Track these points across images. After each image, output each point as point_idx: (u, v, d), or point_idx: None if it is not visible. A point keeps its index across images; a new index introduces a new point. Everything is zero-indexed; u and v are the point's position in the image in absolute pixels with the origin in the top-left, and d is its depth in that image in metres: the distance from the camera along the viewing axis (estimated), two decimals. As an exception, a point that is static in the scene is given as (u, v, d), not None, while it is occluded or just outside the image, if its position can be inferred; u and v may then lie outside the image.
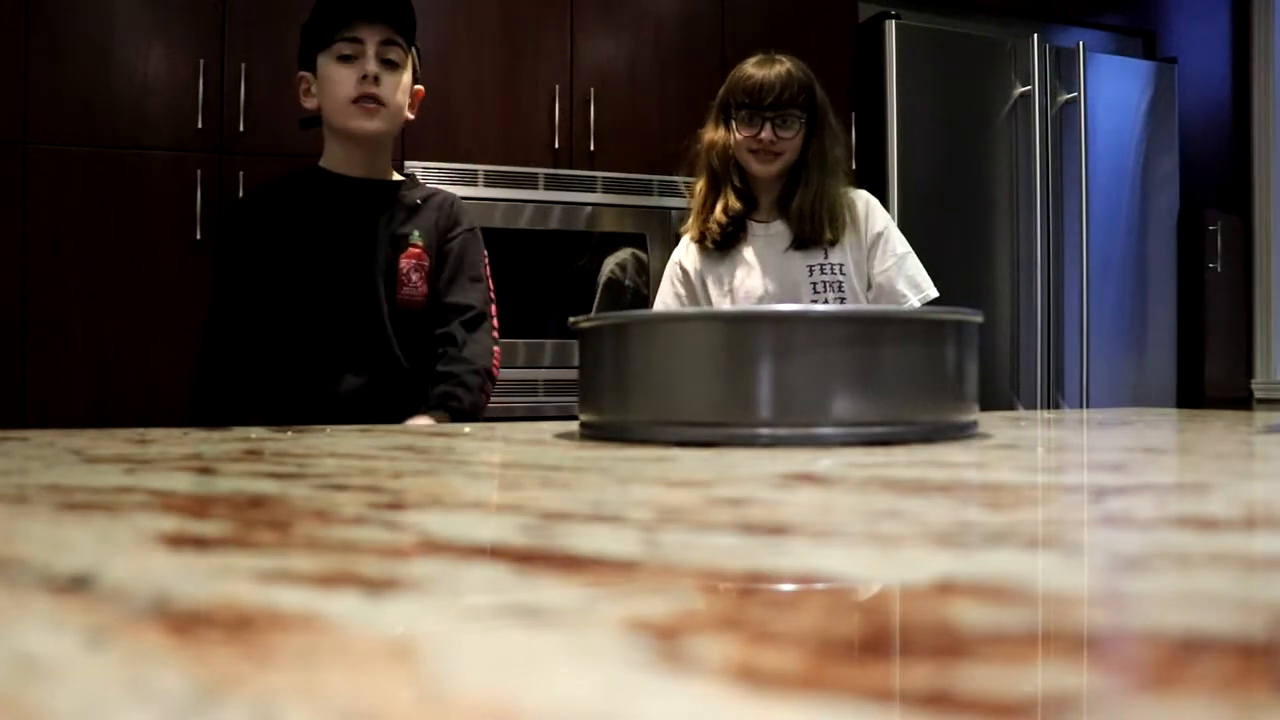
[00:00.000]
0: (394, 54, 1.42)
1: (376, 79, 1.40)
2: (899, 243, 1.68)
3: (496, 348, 1.46)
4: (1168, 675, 0.16)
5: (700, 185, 1.70)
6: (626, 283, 2.73)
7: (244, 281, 1.41)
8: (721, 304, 1.67)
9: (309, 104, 1.46)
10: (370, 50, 1.40)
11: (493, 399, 1.46)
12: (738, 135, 1.62)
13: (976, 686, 0.16)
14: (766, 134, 1.60)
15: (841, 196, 1.66)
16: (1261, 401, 3.52)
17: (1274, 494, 0.45)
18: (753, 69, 1.62)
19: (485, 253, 1.52)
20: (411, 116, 1.49)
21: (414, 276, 1.43)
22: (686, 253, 1.72)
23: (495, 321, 1.49)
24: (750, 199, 1.67)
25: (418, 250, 1.44)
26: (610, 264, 2.72)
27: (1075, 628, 0.20)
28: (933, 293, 1.67)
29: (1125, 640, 0.19)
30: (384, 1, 1.42)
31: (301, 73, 1.46)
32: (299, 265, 1.40)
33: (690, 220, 1.72)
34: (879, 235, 1.67)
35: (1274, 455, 0.63)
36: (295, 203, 1.44)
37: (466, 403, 1.35)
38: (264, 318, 1.40)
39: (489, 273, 1.51)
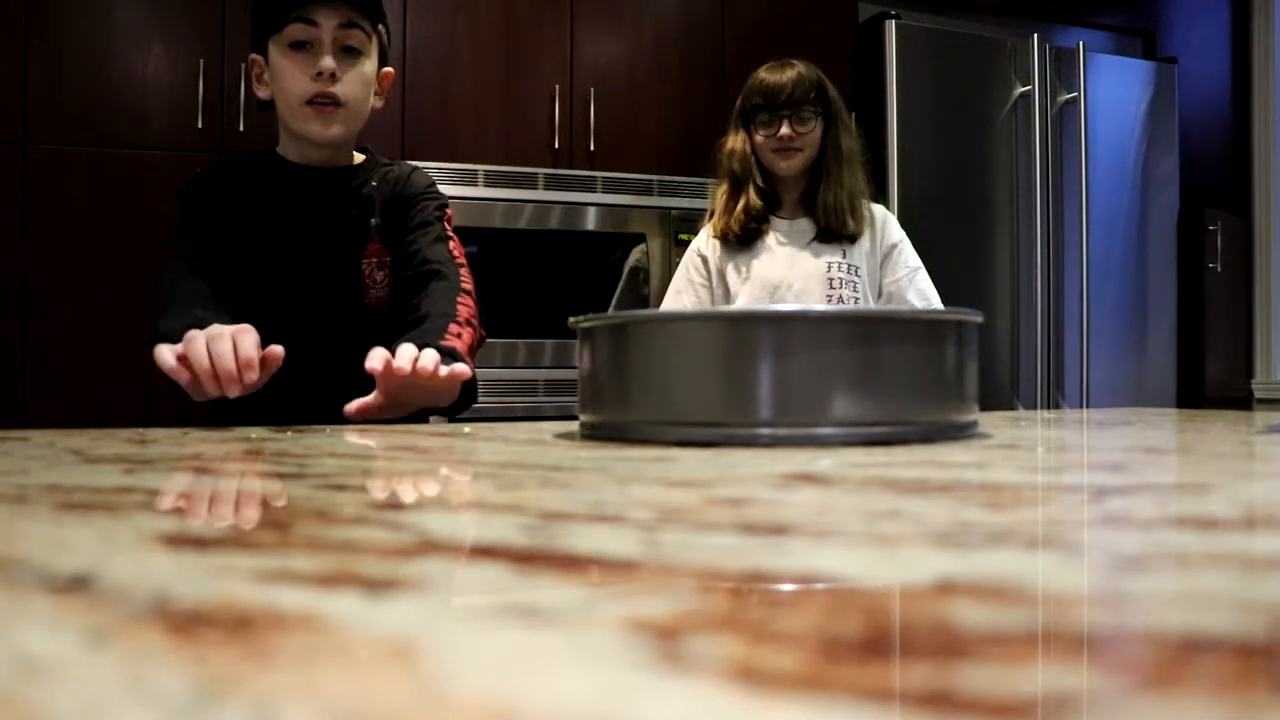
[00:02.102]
0: (355, 39, 1.24)
1: (334, 76, 1.22)
2: (912, 256, 1.75)
3: (471, 306, 1.25)
4: (1168, 675, 0.16)
5: (723, 189, 1.76)
6: (652, 270, 2.74)
7: (205, 260, 1.24)
8: (738, 291, 1.72)
9: (262, 93, 1.29)
10: (326, 37, 1.22)
11: (493, 399, 1.42)
12: (759, 137, 1.69)
13: (976, 686, 0.16)
14: (785, 130, 1.67)
15: (861, 191, 1.72)
16: (1262, 401, 3.52)
17: (1274, 494, 0.45)
18: (765, 74, 1.70)
19: (450, 212, 1.36)
20: (379, 104, 1.34)
21: (378, 276, 1.28)
22: (706, 243, 1.78)
23: (469, 286, 1.28)
24: (774, 199, 1.73)
25: (376, 245, 1.29)
26: (637, 252, 2.74)
27: (1075, 628, 0.20)
28: (940, 307, 1.72)
29: (1125, 640, 0.19)
30: None
31: (253, 55, 1.29)
32: (254, 264, 1.26)
33: (713, 218, 1.77)
34: (893, 246, 1.74)
35: (1274, 455, 0.63)
36: (250, 191, 1.29)
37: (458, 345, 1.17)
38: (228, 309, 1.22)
39: (451, 229, 1.34)
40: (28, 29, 2.39)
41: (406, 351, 1.01)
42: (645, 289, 2.74)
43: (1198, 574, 0.25)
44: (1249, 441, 0.73)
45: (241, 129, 2.48)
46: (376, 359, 0.99)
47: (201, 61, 2.47)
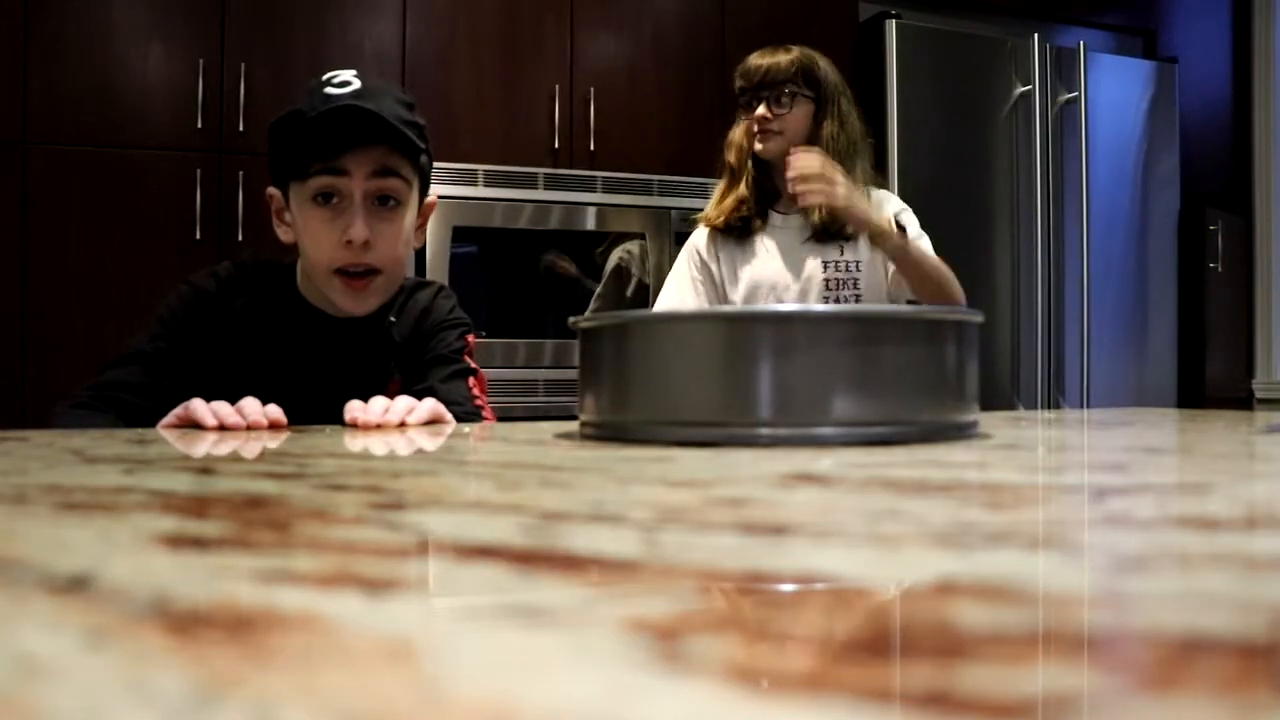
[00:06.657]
0: (393, 186, 1.05)
1: (367, 243, 1.03)
2: (912, 224, 1.66)
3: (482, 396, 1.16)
4: (1168, 676, 0.16)
5: (722, 182, 1.71)
6: (633, 270, 2.73)
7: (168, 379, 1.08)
8: (732, 291, 1.67)
9: (284, 235, 1.11)
10: (357, 191, 1.03)
11: (493, 399, 1.33)
12: (743, 120, 1.64)
13: (977, 687, 0.16)
14: (761, 110, 1.60)
15: (858, 184, 1.62)
16: (1262, 401, 3.52)
17: (1275, 494, 0.45)
18: (751, 56, 1.65)
19: (471, 337, 1.20)
20: (419, 244, 1.16)
21: None
22: (701, 238, 1.72)
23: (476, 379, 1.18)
24: (770, 190, 1.67)
25: (397, 385, 1.13)
26: (619, 252, 2.73)
27: (1076, 628, 0.20)
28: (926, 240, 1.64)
29: (1126, 641, 0.19)
30: (376, 119, 1.00)
31: (271, 191, 1.12)
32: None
33: (709, 208, 1.72)
34: (896, 214, 1.64)
35: (1275, 455, 0.63)
36: (260, 331, 1.11)
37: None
38: None
39: (473, 360, 1.19)
40: (27, 28, 2.39)
41: (376, 404, 0.92)
42: (628, 289, 2.72)
43: (1198, 574, 0.25)
44: (1250, 442, 0.73)
45: (241, 128, 2.48)
46: (352, 412, 0.90)
47: (201, 61, 2.47)
